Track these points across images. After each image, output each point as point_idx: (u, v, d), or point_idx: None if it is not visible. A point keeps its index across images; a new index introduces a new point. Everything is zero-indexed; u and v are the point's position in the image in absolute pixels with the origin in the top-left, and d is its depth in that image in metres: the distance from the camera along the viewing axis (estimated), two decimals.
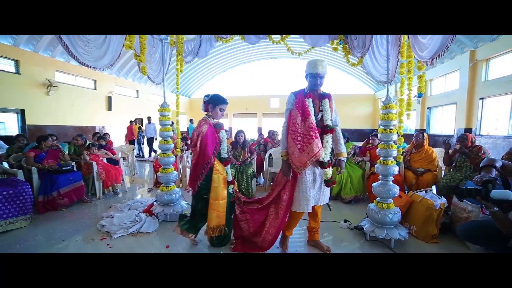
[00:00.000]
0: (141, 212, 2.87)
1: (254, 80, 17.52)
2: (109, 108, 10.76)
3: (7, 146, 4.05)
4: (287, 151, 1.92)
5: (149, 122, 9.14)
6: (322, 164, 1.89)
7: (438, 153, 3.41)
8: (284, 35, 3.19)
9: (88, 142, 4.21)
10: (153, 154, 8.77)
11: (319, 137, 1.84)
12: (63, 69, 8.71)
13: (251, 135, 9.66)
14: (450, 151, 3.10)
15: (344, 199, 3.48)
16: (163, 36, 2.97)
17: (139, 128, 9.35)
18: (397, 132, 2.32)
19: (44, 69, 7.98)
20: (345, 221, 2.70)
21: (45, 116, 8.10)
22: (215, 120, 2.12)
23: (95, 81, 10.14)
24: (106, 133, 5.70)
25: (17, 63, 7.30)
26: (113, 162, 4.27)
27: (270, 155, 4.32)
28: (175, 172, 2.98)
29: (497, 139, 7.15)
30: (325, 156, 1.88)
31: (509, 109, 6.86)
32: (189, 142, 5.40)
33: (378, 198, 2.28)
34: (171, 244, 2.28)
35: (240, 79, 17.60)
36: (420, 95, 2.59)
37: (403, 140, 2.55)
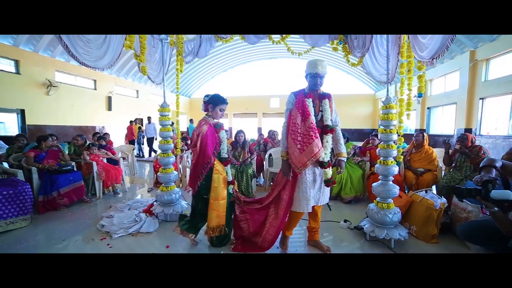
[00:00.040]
0: (141, 212, 2.87)
1: (254, 80, 17.52)
2: (109, 108, 10.77)
3: (7, 146, 4.05)
4: (287, 151, 1.92)
5: (149, 122, 9.14)
6: (322, 164, 1.89)
7: (438, 153, 3.41)
8: (284, 35, 3.18)
9: (88, 142, 4.21)
10: (153, 154, 8.77)
11: (319, 137, 1.84)
12: (63, 69, 8.71)
13: (251, 135, 9.66)
14: (450, 151, 3.10)
15: (344, 199, 3.48)
16: (163, 36, 2.97)
17: (139, 128, 9.35)
18: (397, 132, 2.32)
19: (44, 69, 7.98)
20: (345, 221, 2.70)
21: (45, 116, 8.10)
22: (215, 120, 2.12)
23: (95, 81, 10.14)
24: (106, 133, 5.70)
25: (17, 63, 7.31)
26: (113, 162, 4.27)
27: (270, 155, 4.32)
28: (175, 172, 2.98)
29: (497, 139, 7.15)
30: (325, 156, 1.88)
31: (509, 109, 6.86)
32: (189, 142, 5.40)
33: (378, 198, 2.28)
34: (171, 244, 2.28)
35: (240, 79, 17.61)
36: (420, 95, 2.60)
37: (403, 140, 2.55)
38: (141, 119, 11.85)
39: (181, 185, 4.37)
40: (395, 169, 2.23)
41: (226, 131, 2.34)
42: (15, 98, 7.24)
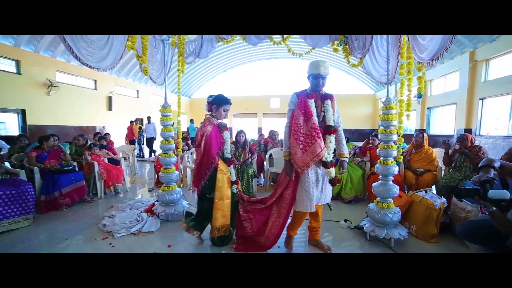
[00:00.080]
0: (143, 212, 2.89)
1: (254, 80, 17.53)
2: (110, 108, 10.78)
3: (9, 146, 4.07)
4: (289, 151, 1.94)
5: (149, 122, 9.15)
6: (325, 164, 1.90)
7: (438, 153, 3.42)
8: (285, 36, 3.20)
9: (89, 142, 4.23)
10: (155, 153, 8.78)
11: (321, 137, 1.86)
12: (63, 69, 8.73)
13: (251, 135, 9.68)
14: (450, 151, 3.11)
15: (344, 199, 3.49)
16: (164, 36, 2.99)
17: (140, 128, 9.36)
18: (397, 133, 2.34)
19: (45, 69, 8.00)
20: (346, 220, 2.72)
21: (45, 116, 8.11)
22: (219, 121, 2.14)
23: (95, 81, 10.15)
24: (107, 133, 5.72)
25: (18, 63, 7.32)
26: (114, 162, 4.28)
27: (271, 155, 4.34)
28: (177, 172, 2.99)
29: (497, 139, 7.17)
30: (328, 156, 1.89)
31: (508, 109, 6.88)
32: (189, 142, 5.42)
33: (378, 198, 2.30)
34: (172, 244, 2.30)
35: (240, 79, 17.62)
36: (420, 95, 2.61)
37: (403, 140, 2.57)
38: (142, 119, 11.86)
39: (181, 185, 4.39)
40: (395, 169, 2.25)
41: None
42: (16, 98, 7.26)
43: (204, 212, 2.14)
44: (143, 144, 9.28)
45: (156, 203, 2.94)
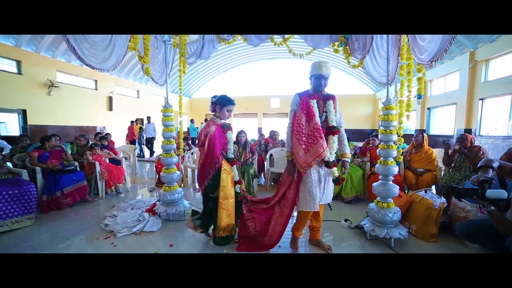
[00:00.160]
0: (144, 212, 2.91)
1: (254, 80, 17.55)
2: (110, 108, 10.80)
3: (11, 146, 4.09)
4: (291, 151, 1.95)
5: (149, 122, 9.16)
6: (327, 164, 1.92)
7: (437, 153, 3.44)
8: (286, 37, 3.21)
9: (90, 142, 4.24)
10: (154, 154, 8.79)
11: (323, 138, 1.87)
12: (64, 69, 8.74)
13: (251, 135, 9.69)
14: (450, 151, 3.13)
15: (344, 199, 3.51)
16: (166, 37, 3.00)
17: (140, 128, 9.37)
18: (397, 133, 2.36)
19: (46, 70, 8.01)
20: (346, 220, 2.73)
21: (46, 116, 8.13)
22: (223, 121, 2.16)
23: (96, 81, 10.17)
24: (107, 133, 5.74)
25: (19, 63, 7.33)
26: (115, 162, 4.30)
27: (271, 155, 4.36)
28: (178, 172, 3.01)
29: (496, 139, 7.18)
30: (330, 156, 1.91)
31: (508, 110, 6.89)
32: (190, 142, 5.44)
33: (378, 198, 2.32)
34: (174, 243, 2.32)
35: (240, 79, 17.63)
36: (419, 96, 2.62)
37: (403, 140, 2.58)
38: (142, 119, 11.88)
39: (182, 185, 4.41)
40: (395, 169, 2.27)
41: None
42: (17, 98, 7.27)
43: (208, 211, 2.18)
44: (143, 144, 9.30)
45: (157, 203, 2.96)
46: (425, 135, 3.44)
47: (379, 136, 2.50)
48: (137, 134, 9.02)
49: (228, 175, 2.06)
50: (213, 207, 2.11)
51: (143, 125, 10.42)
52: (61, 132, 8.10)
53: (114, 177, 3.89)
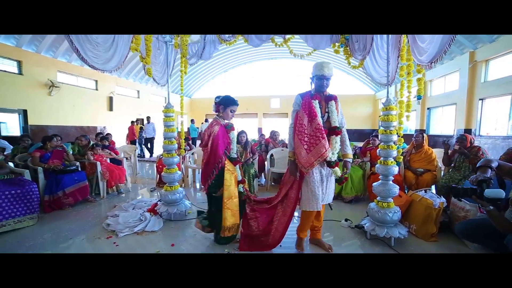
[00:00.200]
0: (146, 212, 2.92)
1: (254, 80, 17.57)
2: (110, 109, 10.82)
3: (12, 147, 4.10)
4: (294, 151, 1.96)
5: (148, 122, 9.17)
6: (329, 164, 1.93)
7: (437, 153, 3.46)
8: (286, 38, 3.22)
9: (91, 143, 4.26)
10: (155, 154, 8.80)
11: (326, 138, 1.88)
12: (64, 69, 8.76)
13: (251, 135, 9.71)
14: (449, 151, 3.15)
15: (345, 198, 3.53)
16: (167, 38, 3.02)
17: (141, 128, 9.39)
18: (397, 133, 2.37)
19: (46, 70, 8.03)
20: (346, 220, 2.75)
21: (47, 116, 8.15)
22: (226, 121, 2.18)
23: (96, 81, 10.19)
24: (108, 133, 5.75)
25: (19, 63, 7.35)
26: (116, 162, 4.31)
27: (272, 155, 4.37)
28: (179, 172, 3.03)
29: (496, 139, 7.21)
30: (332, 156, 1.92)
31: (508, 110, 6.92)
32: (190, 142, 5.46)
33: (378, 198, 2.33)
34: (175, 243, 2.33)
35: (240, 80, 17.66)
36: (419, 97, 2.64)
37: (403, 140, 2.60)
38: (142, 119, 11.89)
39: (183, 184, 4.42)
40: (395, 169, 2.28)
41: None
42: (17, 99, 7.29)
43: (213, 210, 2.20)
44: (144, 144, 9.31)
45: (158, 202, 2.97)
46: (425, 135, 3.46)
47: (379, 136, 2.52)
48: (138, 134, 9.03)
49: (232, 174, 2.08)
50: (217, 207, 2.13)
51: (143, 125, 10.44)
52: (62, 132, 8.11)
53: (115, 177, 3.90)
